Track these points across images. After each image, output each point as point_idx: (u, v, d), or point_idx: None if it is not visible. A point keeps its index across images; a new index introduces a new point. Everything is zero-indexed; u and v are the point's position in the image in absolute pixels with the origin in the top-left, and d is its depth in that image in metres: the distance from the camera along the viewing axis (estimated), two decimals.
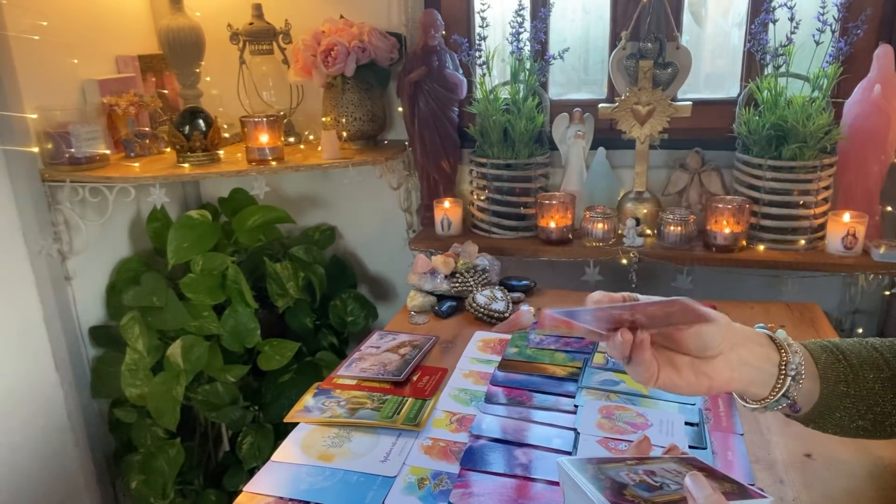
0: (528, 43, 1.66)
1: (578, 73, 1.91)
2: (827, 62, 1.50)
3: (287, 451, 0.93)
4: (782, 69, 1.53)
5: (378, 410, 1.00)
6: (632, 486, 0.59)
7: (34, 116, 1.50)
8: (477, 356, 1.19)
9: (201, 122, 1.63)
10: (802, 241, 1.59)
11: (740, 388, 0.70)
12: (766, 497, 0.58)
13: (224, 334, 1.67)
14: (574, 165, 1.77)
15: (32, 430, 1.55)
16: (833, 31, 1.47)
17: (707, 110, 1.73)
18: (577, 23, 1.86)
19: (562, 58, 1.66)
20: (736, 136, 1.64)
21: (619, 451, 0.89)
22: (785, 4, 1.47)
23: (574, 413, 0.98)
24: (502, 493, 0.82)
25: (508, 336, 1.27)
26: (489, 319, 1.33)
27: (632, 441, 0.90)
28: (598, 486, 0.58)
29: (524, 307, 1.36)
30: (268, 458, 0.92)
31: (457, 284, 1.43)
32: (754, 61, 1.62)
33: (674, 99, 1.65)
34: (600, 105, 1.69)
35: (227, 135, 1.86)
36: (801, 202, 1.56)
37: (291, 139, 1.89)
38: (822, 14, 1.47)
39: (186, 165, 1.61)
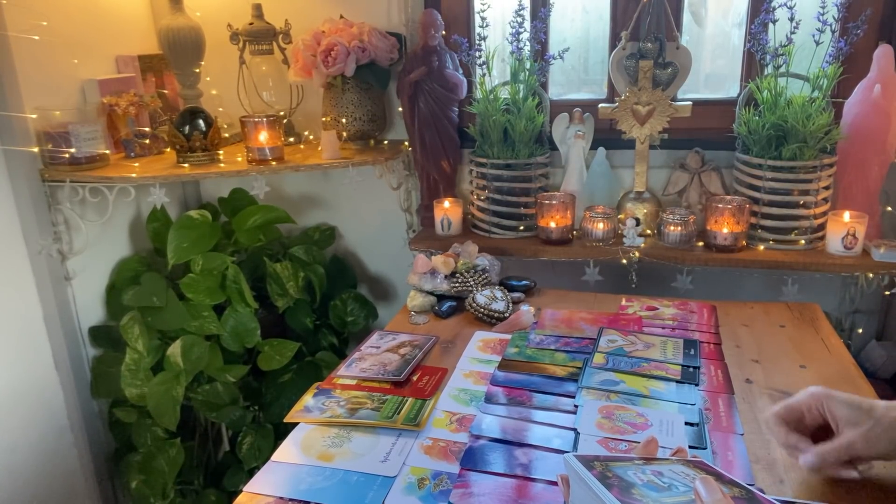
0: (528, 43, 1.66)
1: (578, 73, 1.91)
2: (827, 62, 1.50)
3: (287, 451, 0.93)
4: (782, 69, 1.53)
5: (378, 410, 1.00)
6: (640, 485, 0.58)
7: (34, 116, 1.50)
8: (477, 356, 1.19)
9: (201, 122, 1.63)
10: (802, 241, 1.59)
11: None
12: None
13: (224, 334, 1.67)
14: (574, 165, 1.77)
15: (32, 430, 1.55)
16: (833, 31, 1.48)
17: (707, 110, 1.73)
18: (577, 23, 1.86)
19: (562, 58, 1.66)
20: (736, 136, 1.64)
21: (620, 451, 0.89)
22: (785, 4, 1.47)
23: (574, 413, 0.98)
24: (502, 493, 0.82)
25: (508, 336, 1.27)
26: (489, 319, 1.33)
27: (631, 441, 0.91)
28: (605, 483, 0.57)
29: (524, 307, 1.36)
30: (268, 458, 0.92)
31: (457, 284, 1.43)
32: (754, 61, 1.62)
33: (674, 99, 1.65)
34: (600, 105, 1.69)
35: (227, 135, 1.86)
36: (801, 202, 1.56)
37: (291, 139, 1.89)
38: (822, 14, 1.47)
39: (186, 165, 1.61)
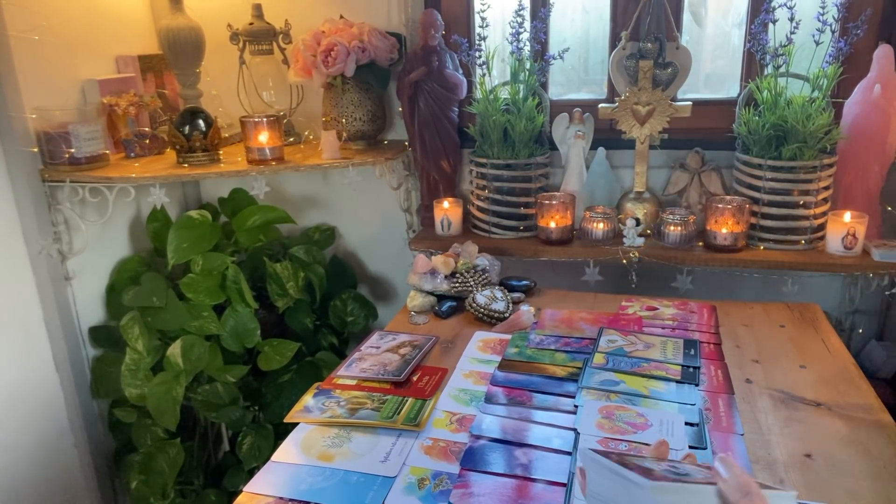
0: (528, 43, 1.66)
1: (578, 73, 1.91)
2: (827, 62, 1.50)
3: (287, 452, 0.93)
4: (782, 69, 1.53)
5: (378, 410, 1.00)
6: (659, 470, 0.59)
7: (34, 116, 1.50)
8: (477, 356, 1.19)
9: (201, 122, 1.63)
10: (802, 241, 1.59)
11: None
12: (790, 491, 0.59)
13: (224, 334, 1.67)
14: (574, 165, 1.77)
15: (32, 430, 1.55)
16: (833, 31, 1.47)
17: (707, 110, 1.73)
18: (577, 23, 1.86)
19: (562, 58, 1.66)
20: (736, 136, 1.64)
21: (620, 450, 0.89)
22: (785, 4, 1.47)
23: (574, 413, 0.98)
24: (502, 494, 0.82)
25: (508, 336, 1.27)
26: (489, 319, 1.33)
27: (632, 441, 0.91)
28: (625, 467, 0.58)
29: (524, 307, 1.36)
30: (268, 458, 0.92)
31: (457, 284, 1.43)
32: (754, 61, 1.62)
33: (674, 99, 1.65)
34: (600, 105, 1.69)
35: (227, 135, 1.86)
36: (801, 202, 1.56)
37: (291, 139, 1.89)
38: (822, 14, 1.47)
39: (186, 165, 1.61)
